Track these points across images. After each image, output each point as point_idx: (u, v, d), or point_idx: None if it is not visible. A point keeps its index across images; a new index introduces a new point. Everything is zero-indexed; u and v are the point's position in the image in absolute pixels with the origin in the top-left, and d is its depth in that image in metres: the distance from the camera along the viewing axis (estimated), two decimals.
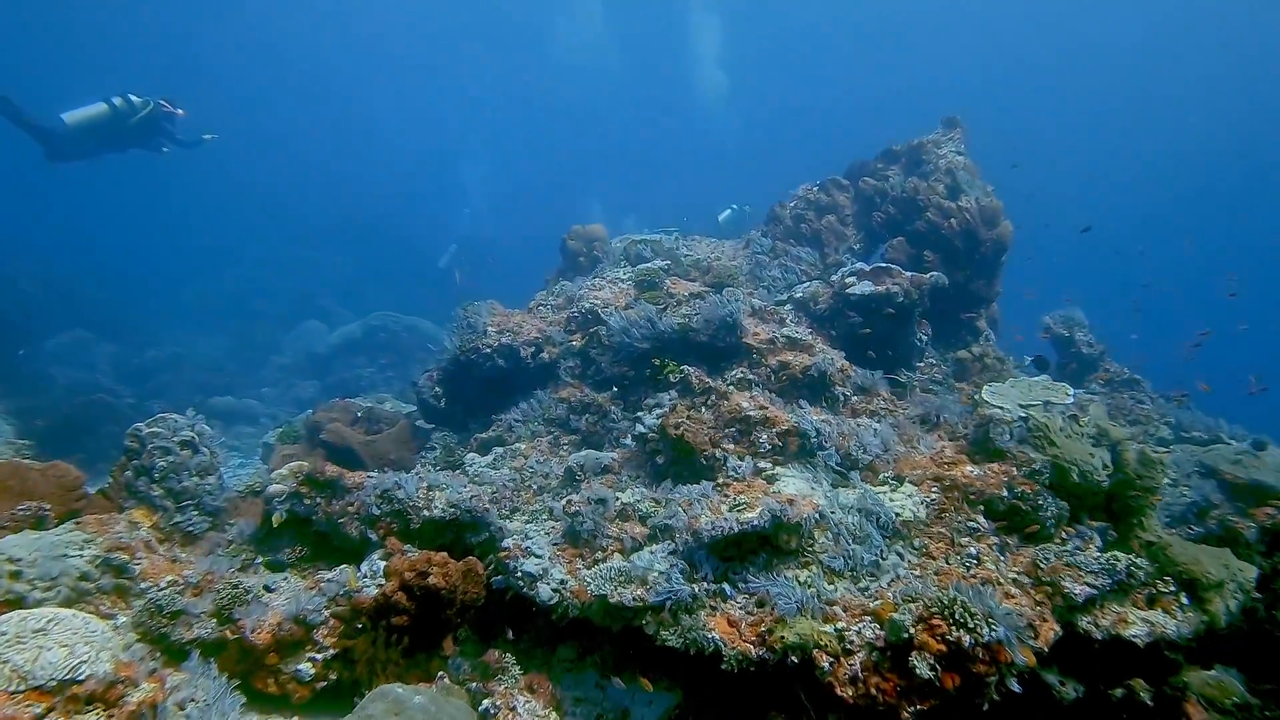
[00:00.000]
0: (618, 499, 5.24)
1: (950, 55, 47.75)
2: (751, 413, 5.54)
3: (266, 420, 16.70)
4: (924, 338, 7.32)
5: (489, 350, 7.26)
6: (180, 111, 12.11)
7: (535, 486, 6.00)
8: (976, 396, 6.51)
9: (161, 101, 11.84)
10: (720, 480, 5.13)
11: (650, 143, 58.26)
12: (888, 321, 6.94)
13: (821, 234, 8.42)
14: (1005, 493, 4.85)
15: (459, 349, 7.50)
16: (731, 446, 5.47)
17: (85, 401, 13.89)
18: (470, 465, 6.35)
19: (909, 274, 7.02)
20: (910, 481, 5.10)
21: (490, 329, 7.51)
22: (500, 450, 6.54)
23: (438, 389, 7.94)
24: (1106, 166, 50.43)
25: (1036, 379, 5.87)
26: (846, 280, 7.08)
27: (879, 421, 5.93)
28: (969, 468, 5.12)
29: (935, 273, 7.07)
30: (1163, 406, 8.08)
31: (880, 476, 5.29)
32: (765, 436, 5.41)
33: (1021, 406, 5.56)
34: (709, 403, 5.90)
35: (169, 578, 4.88)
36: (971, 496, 4.88)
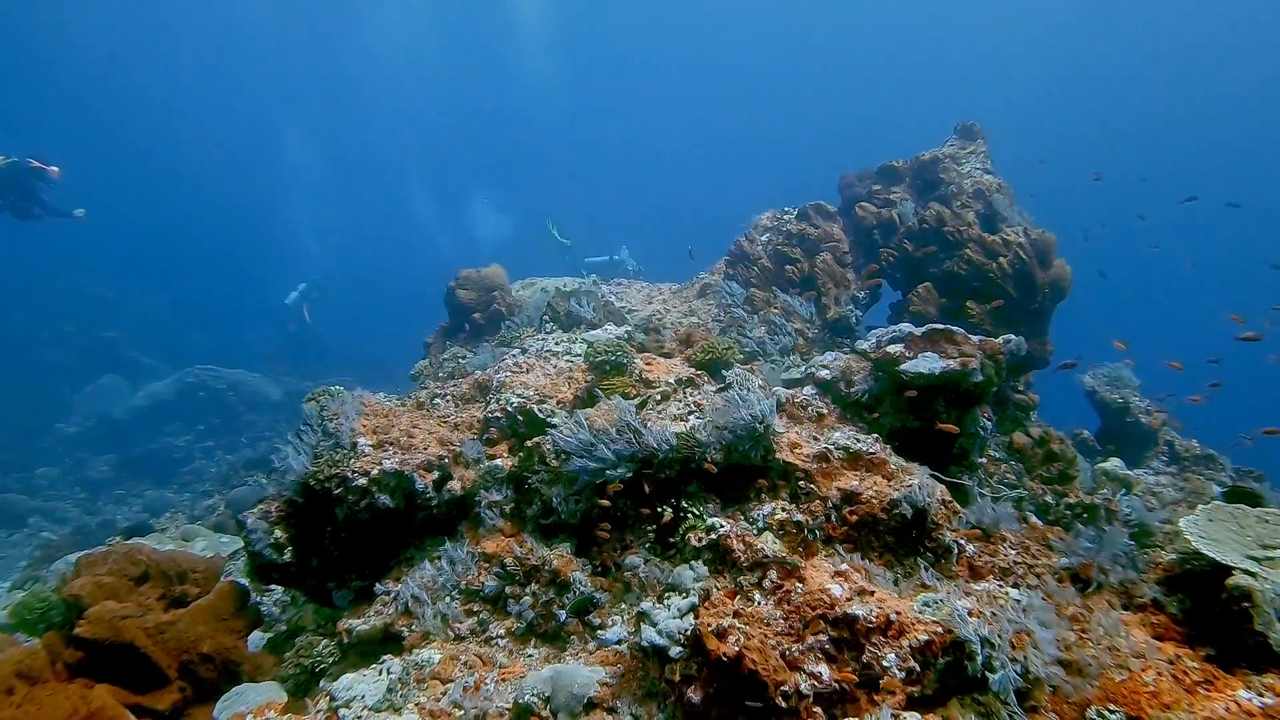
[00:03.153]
0: None
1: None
2: (855, 609, 3.22)
3: (38, 520, 12.68)
4: (987, 425, 5.31)
5: (363, 482, 4.55)
6: (53, 169, 11.05)
7: None
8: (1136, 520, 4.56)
9: (29, 159, 10.79)
10: None
11: (479, 132, 55.73)
12: (954, 408, 4.87)
13: (816, 278, 6.27)
14: None
15: (312, 475, 4.74)
16: (828, 673, 3.13)
17: None
18: (345, 706, 3.66)
19: (976, 338, 4.99)
20: None
21: (363, 441, 4.81)
22: (396, 668, 3.87)
23: (278, 533, 5.08)
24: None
25: (1245, 509, 3.95)
26: (890, 350, 4.94)
27: (1018, 588, 3.79)
28: (1244, 694, 3.03)
29: (1012, 335, 5.08)
30: (1257, 490, 6.50)
31: (1090, 715, 3.11)
32: (892, 655, 3.10)
33: (1250, 557, 3.58)
34: (765, 584, 3.54)
35: None
36: None
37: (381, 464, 4.62)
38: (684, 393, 4.72)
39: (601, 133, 58.16)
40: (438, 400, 5.55)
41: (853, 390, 5.03)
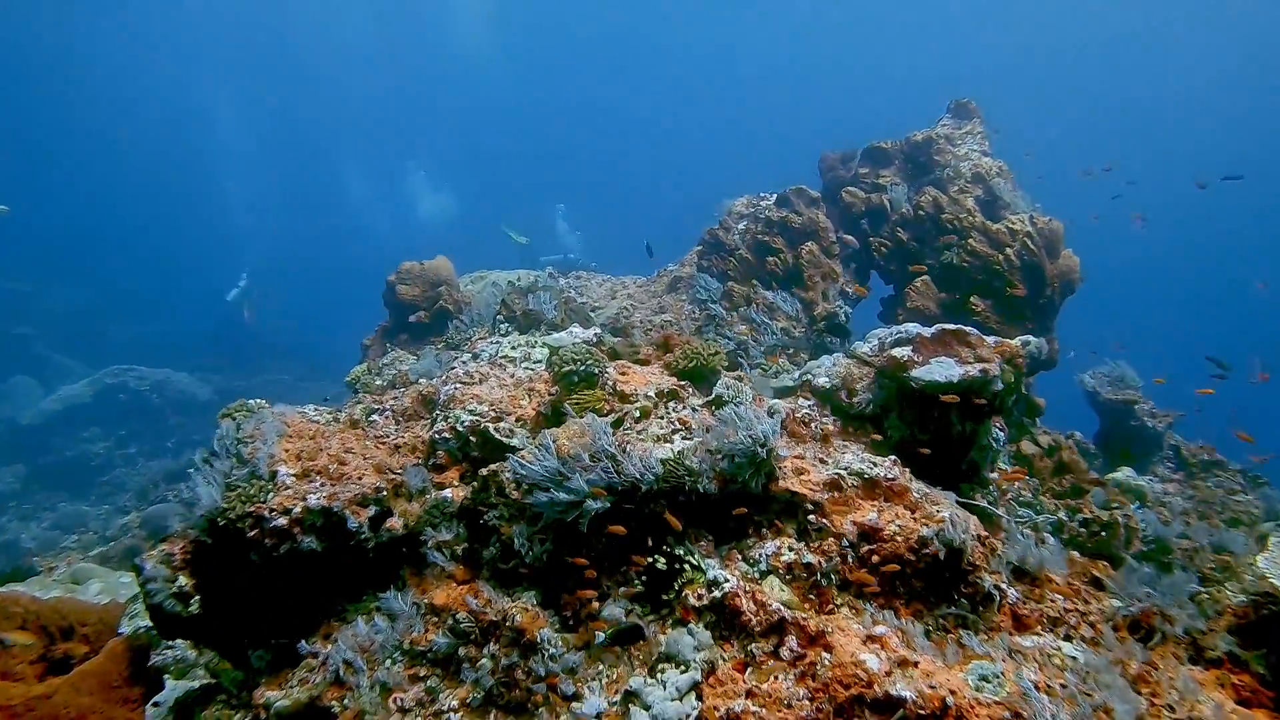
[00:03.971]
0: None
1: None
2: (901, 689, 2.59)
3: None
4: (1000, 436, 4.77)
5: (283, 522, 3.77)
6: None
7: None
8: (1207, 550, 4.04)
9: None
10: None
11: (419, 107, 53.76)
12: (967, 419, 4.29)
13: (803, 270, 5.65)
14: None
15: (222, 511, 3.93)
16: None
17: None
18: None
19: (990, 340, 4.41)
20: None
21: (284, 470, 4.01)
22: None
23: (183, 580, 4.26)
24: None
25: None
26: (896, 354, 4.34)
27: (1070, 640, 3.21)
28: None
29: (1030, 337, 4.53)
30: (1270, 497, 6.09)
31: None
32: None
33: None
34: (783, 653, 2.88)
35: None
36: None
37: (306, 499, 3.83)
38: (666, 408, 4.04)
39: (547, 110, 56.48)
40: (375, 417, 4.76)
41: (855, 400, 4.41)
